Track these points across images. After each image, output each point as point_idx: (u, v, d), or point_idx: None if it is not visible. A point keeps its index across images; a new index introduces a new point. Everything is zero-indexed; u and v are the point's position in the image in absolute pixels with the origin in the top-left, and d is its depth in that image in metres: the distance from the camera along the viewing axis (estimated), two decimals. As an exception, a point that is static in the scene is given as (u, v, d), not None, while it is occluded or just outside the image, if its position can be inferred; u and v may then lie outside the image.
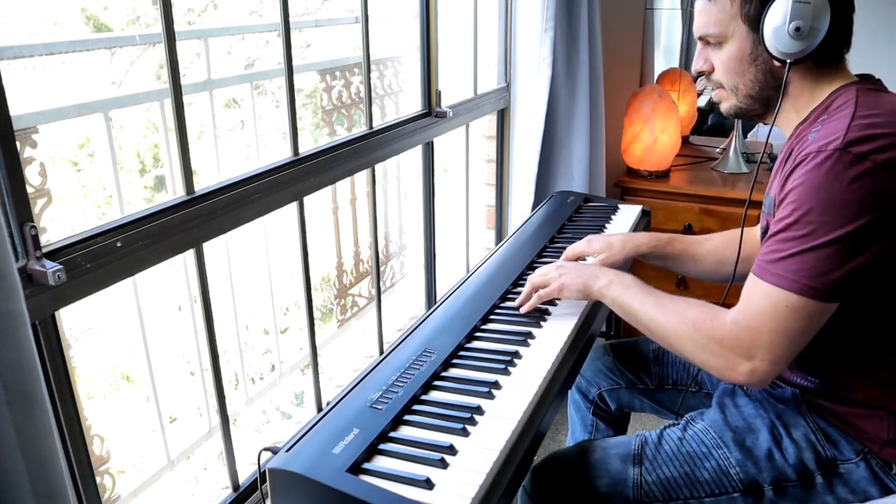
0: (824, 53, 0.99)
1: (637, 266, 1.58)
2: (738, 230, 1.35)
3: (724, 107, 1.10)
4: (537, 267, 1.42)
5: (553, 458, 1.16)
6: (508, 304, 1.27)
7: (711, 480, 1.07)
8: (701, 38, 1.09)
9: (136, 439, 2.16)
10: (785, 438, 1.06)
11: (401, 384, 0.99)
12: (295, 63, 1.29)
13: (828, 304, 0.91)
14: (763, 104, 1.07)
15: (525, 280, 1.35)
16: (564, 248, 1.49)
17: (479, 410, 0.95)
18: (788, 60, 0.99)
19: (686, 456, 1.10)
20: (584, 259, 1.39)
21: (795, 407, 1.09)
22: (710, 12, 1.05)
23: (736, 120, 2.46)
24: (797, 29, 0.96)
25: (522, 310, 1.21)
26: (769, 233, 0.96)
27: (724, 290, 1.18)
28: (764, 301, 0.93)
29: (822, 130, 0.93)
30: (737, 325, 0.95)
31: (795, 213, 0.90)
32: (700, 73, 1.11)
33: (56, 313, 0.89)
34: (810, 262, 0.89)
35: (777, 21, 0.97)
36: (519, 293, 1.30)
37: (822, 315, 0.92)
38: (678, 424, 1.15)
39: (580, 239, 1.51)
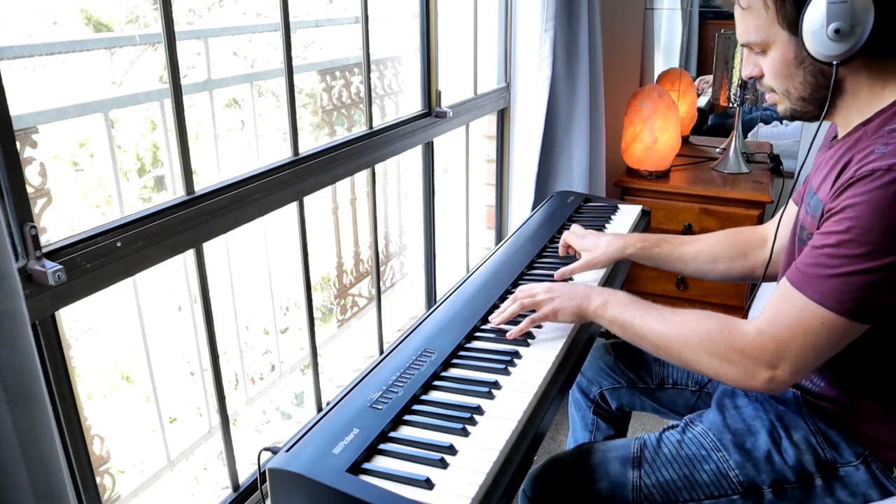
0: (878, 50, 0.92)
1: (636, 266, 1.58)
2: (733, 230, 1.38)
3: (780, 109, 1.06)
4: (538, 266, 1.42)
5: (552, 462, 1.16)
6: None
7: (710, 483, 1.07)
8: (745, 45, 1.04)
9: (135, 439, 2.16)
10: (784, 440, 1.06)
11: (401, 384, 0.99)
12: (295, 63, 1.29)
13: (863, 324, 0.89)
14: (817, 105, 1.01)
15: (524, 281, 1.35)
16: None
17: (479, 410, 0.95)
18: (834, 62, 0.93)
19: (685, 458, 1.09)
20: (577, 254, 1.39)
21: (796, 409, 1.09)
22: (747, 20, 1.00)
23: (735, 120, 2.46)
24: (836, 31, 0.90)
25: (510, 335, 1.13)
26: (814, 243, 0.91)
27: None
28: (799, 314, 0.90)
29: (894, 146, 0.87)
30: (762, 336, 0.93)
31: (852, 231, 0.86)
32: (751, 78, 1.07)
33: (56, 313, 0.89)
34: (859, 285, 0.86)
35: (815, 24, 0.91)
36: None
37: (854, 334, 0.90)
38: (677, 427, 1.15)
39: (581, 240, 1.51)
